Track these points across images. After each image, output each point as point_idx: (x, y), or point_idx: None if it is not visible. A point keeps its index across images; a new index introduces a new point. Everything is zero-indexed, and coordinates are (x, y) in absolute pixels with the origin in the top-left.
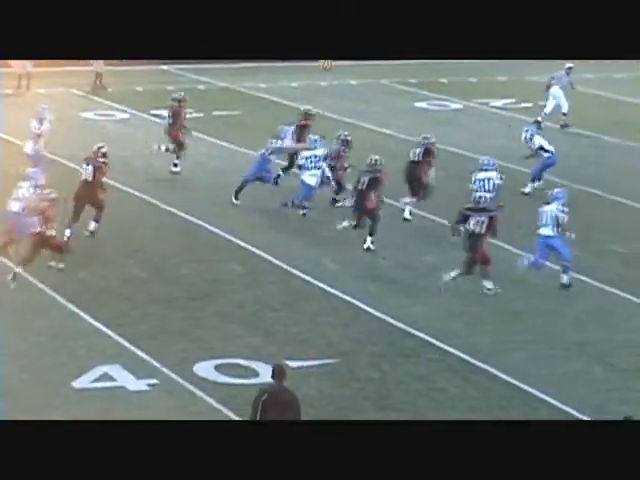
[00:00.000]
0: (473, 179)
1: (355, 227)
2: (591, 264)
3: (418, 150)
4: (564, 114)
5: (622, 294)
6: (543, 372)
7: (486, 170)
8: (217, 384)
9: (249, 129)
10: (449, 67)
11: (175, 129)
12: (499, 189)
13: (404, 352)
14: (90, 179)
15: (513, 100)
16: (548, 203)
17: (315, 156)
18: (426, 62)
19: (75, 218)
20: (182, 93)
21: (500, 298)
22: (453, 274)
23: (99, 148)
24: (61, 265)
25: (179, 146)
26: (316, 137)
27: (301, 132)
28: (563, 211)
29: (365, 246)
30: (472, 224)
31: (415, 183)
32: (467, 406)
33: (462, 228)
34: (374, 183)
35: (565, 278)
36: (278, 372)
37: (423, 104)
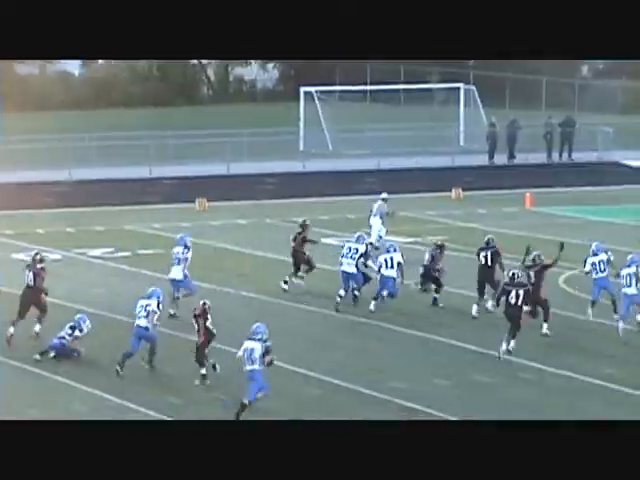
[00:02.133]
0: (590, 263)
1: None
2: None
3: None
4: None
5: None
6: None
7: (596, 254)
8: None
9: None
10: (44, 218)
11: None
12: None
13: None
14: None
15: (111, 249)
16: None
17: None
18: (17, 213)
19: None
20: None
21: None
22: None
23: (36, 254)
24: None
25: None
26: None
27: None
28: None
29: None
30: (510, 297)
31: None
32: None
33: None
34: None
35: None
36: None
37: (21, 255)
